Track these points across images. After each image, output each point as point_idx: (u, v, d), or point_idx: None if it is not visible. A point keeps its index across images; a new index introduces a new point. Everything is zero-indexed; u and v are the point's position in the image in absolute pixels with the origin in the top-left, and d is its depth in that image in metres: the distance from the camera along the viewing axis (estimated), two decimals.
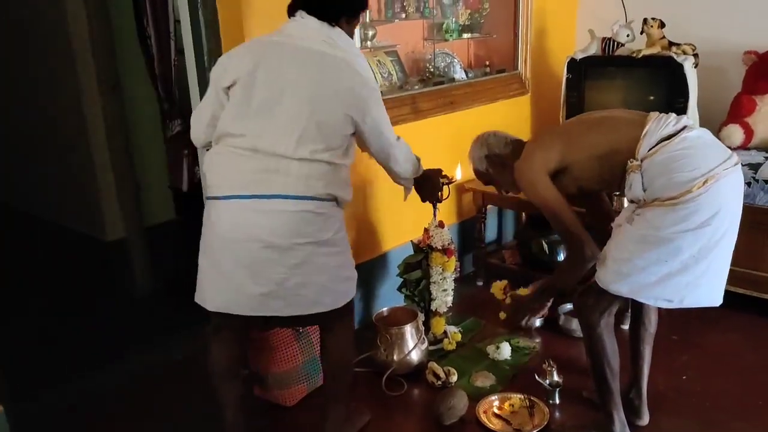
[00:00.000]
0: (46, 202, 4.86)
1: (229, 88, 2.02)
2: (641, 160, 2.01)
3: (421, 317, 2.85)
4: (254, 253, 1.96)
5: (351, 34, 2.12)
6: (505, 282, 3.02)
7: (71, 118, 4.29)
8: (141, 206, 3.75)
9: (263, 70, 1.98)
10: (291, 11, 2.09)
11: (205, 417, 2.48)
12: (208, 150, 2.15)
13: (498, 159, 2.38)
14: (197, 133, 2.17)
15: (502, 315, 3.11)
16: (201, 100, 2.65)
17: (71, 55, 4.11)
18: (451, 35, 3.52)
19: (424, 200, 2.55)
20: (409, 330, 2.72)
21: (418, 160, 2.36)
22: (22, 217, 4.96)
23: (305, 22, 2.04)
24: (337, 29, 2.05)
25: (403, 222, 3.18)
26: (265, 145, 1.95)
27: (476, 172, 2.47)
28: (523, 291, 2.96)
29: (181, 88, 3.32)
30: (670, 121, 2.05)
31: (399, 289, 2.99)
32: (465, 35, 3.63)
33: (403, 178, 2.33)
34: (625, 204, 2.31)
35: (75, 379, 2.76)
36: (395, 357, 2.69)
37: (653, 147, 2.00)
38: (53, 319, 3.39)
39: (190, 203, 3.46)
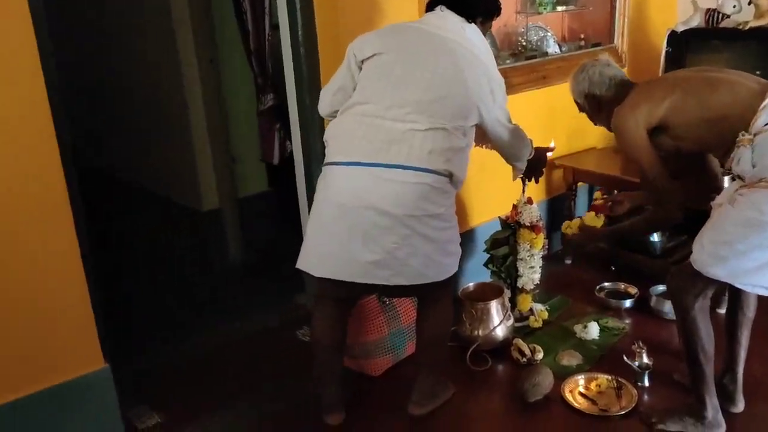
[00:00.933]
0: (149, 173, 5.09)
1: (363, 61, 2.12)
2: (754, 135, 1.91)
3: (508, 293, 2.85)
4: (369, 221, 2.02)
5: (483, 34, 2.24)
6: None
7: (172, 92, 4.46)
8: (235, 178, 3.89)
9: (404, 48, 2.11)
10: (431, 6, 2.22)
11: (291, 386, 2.58)
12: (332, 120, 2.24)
13: (596, 100, 2.32)
14: (323, 103, 2.29)
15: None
16: (294, 74, 2.75)
17: (172, 31, 4.25)
18: (544, 8, 3.43)
19: (528, 178, 2.62)
20: (494, 306, 2.72)
21: (531, 141, 2.43)
22: (126, 187, 5.21)
23: (444, 15, 2.16)
24: (473, 26, 2.18)
25: (490, 198, 3.17)
26: (394, 115, 2.04)
27: (574, 99, 2.42)
28: (594, 221, 3.00)
29: (275, 63, 3.40)
30: None
31: (485, 264, 2.99)
32: (559, 8, 3.53)
33: (519, 162, 2.43)
34: (726, 183, 2.21)
35: (168, 343, 2.91)
36: (480, 332, 2.70)
37: None
38: (152, 285, 3.57)
39: (282, 176, 3.57)
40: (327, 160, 2.15)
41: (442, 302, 2.29)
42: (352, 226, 2.04)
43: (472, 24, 2.19)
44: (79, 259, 2.09)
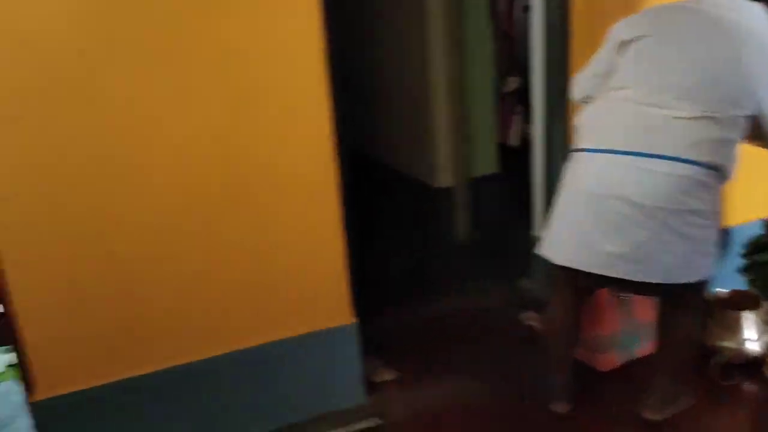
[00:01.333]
0: (391, 151, 5.26)
1: (626, 44, 2.02)
2: None
3: (767, 305, 2.56)
4: (619, 212, 1.94)
5: None
6: None
7: (417, 70, 4.56)
8: (468, 158, 3.94)
9: (671, 30, 1.98)
10: None
11: (513, 367, 2.60)
12: (585, 104, 2.19)
13: None
14: (578, 87, 2.22)
15: None
16: (543, 58, 2.70)
17: (424, 12, 4.32)
18: None
19: None
20: (749, 317, 2.47)
21: None
22: (373, 164, 5.43)
23: None
24: (757, 4, 1.97)
25: (753, 195, 2.84)
26: (655, 101, 1.93)
27: None
28: None
29: (523, 47, 3.36)
30: None
31: (741, 270, 2.71)
32: None
33: None
34: None
35: (402, 308, 3.09)
36: (730, 344, 2.47)
37: None
38: (388, 253, 3.77)
39: (516, 160, 3.54)
40: (578, 146, 2.08)
41: (691, 306, 2.14)
42: (599, 215, 1.97)
43: (757, 2, 1.97)
44: (340, 230, 2.28)
